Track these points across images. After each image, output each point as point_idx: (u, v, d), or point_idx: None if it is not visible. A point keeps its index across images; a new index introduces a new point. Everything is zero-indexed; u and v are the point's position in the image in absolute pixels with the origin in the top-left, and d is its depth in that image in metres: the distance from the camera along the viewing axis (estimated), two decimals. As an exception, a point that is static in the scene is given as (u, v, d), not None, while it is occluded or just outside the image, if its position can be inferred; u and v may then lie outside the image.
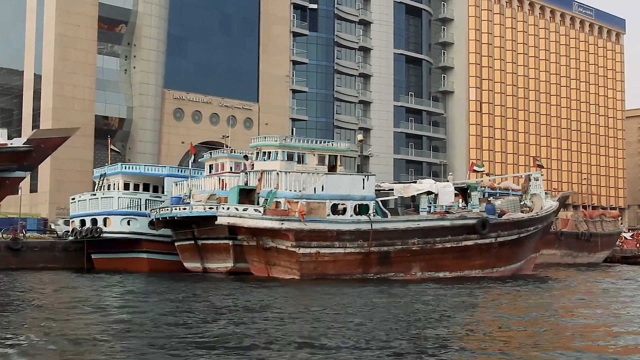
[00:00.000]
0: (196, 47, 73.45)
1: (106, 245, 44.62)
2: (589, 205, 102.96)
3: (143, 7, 68.58)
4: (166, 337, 16.90)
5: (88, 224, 44.51)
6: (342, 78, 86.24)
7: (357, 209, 37.40)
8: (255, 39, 78.05)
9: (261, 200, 37.00)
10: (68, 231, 47.78)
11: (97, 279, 36.91)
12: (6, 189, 41.74)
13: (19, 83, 68.95)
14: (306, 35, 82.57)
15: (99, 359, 14.57)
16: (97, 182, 48.54)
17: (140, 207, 44.44)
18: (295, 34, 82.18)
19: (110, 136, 59.28)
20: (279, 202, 36.48)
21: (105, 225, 44.18)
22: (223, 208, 37.45)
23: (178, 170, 48.69)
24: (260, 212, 36.05)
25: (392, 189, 41.19)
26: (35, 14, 66.64)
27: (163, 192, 46.01)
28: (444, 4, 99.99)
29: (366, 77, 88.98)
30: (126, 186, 46.23)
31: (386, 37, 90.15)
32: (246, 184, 39.01)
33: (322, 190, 36.80)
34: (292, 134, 73.51)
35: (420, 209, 40.30)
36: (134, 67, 68.84)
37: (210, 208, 39.41)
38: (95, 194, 45.86)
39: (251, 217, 36.11)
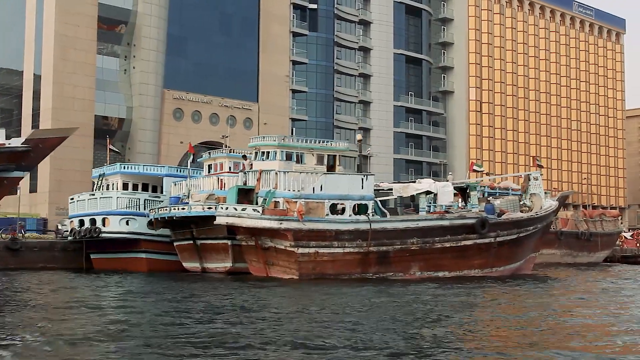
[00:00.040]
0: (196, 47, 73.41)
1: (105, 245, 44.60)
2: (589, 205, 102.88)
3: (143, 7, 68.55)
4: (162, 337, 16.84)
5: (87, 224, 44.49)
6: (342, 78, 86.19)
7: (356, 209, 37.34)
8: (255, 38, 78.01)
9: (260, 200, 36.95)
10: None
11: (95, 279, 36.87)
12: (4, 189, 41.67)
13: (19, 83, 68.92)
14: (306, 35, 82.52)
15: (94, 359, 14.50)
16: (95, 182, 48.53)
17: (139, 207, 44.42)
18: (295, 34, 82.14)
19: (110, 136, 59.26)
20: (278, 202, 36.43)
21: (104, 225, 44.16)
22: (221, 208, 37.40)
23: (177, 170, 48.66)
24: (258, 212, 35.99)
25: (391, 189, 41.14)
26: (34, 14, 66.61)
27: (162, 192, 45.98)
28: (443, 4, 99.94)
29: (366, 77, 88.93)
30: (125, 186, 46.21)
31: (386, 37, 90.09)
32: (245, 183, 38.96)
33: (321, 190, 36.75)
34: (292, 134, 73.47)
35: (419, 209, 40.24)
36: (134, 67, 68.81)
37: (209, 208, 39.37)
38: (94, 194, 45.83)
39: (250, 217, 36.06)
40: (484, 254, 39.53)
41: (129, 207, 44.32)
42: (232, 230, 38.14)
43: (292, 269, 35.99)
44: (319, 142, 42.95)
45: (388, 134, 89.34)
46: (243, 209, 36.36)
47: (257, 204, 36.86)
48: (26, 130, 63.09)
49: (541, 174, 45.34)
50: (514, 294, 29.94)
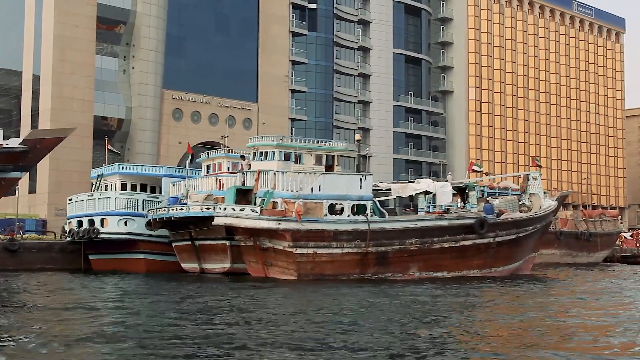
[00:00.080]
0: (195, 47, 73.32)
1: (103, 246, 44.53)
2: (588, 205, 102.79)
3: (142, 8, 68.47)
4: (158, 338, 16.77)
5: (85, 225, 44.43)
6: (341, 78, 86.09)
7: (355, 209, 37.24)
8: (254, 39, 77.91)
9: (258, 201, 36.88)
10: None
11: (93, 280, 36.79)
12: (2, 190, 41.68)
13: (18, 84, 68.82)
14: (305, 35, 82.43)
15: (89, 360, 14.44)
16: (94, 183, 48.45)
17: (138, 208, 44.37)
18: (295, 34, 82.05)
19: (109, 137, 59.19)
20: (276, 202, 36.37)
21: (102, 226, 44.13)
22: (220, 208, 37.32)
23: (175, 171, 48.60)
24: (257, 212, 35.91)
25: (390, 189, 41.07)
26: (33, 14, 66.52)
27: (160, 193, 45.92)
28: (443, 4, 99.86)
29: (365, 77, 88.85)
30: (123, 187, 46.16)
31: (385, 36, 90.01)
32: (243, 184, 38.90)
33: (319, 190, 36.67)
34: (292, 134, 73.39)
35: (418, 209, 40.17)
36: (133, 68, 68.73)
37: (207, 208, 39.28)
38: (92, 195, 45.77)
39: (248, 218, 35.97)
40: (483, 254, 39.46)
41: (127, 207, 44.28)
42: (230, 231, 38.06)
43: (291, 270, 35.91)
44: (318, 142, 42.89)
45: (387, 134, 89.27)
46: (241, 210, 36.29)
47: (255, 204, 36.80)
48: (25, 130, 62.97)
49: (540, 174, 45.27)
50: (512, 294, 29.85)
